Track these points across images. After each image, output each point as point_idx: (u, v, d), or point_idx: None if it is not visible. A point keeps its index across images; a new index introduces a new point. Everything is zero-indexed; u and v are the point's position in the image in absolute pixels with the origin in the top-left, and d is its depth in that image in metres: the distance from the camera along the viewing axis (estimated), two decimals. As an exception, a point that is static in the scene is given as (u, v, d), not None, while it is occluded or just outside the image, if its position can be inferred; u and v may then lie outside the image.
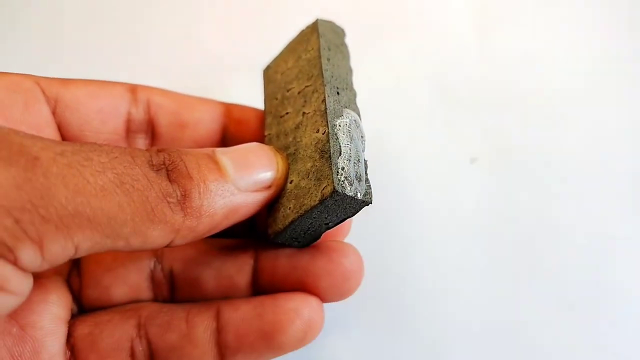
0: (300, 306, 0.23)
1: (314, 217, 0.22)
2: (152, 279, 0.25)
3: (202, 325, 0.23)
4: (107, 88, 0.25)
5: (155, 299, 0.25)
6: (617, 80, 0.30)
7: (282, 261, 0.24)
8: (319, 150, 0.22)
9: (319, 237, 0.24)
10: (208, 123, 0.26)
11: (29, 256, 0.17)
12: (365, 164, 0.22)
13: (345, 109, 0.23)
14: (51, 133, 0.24)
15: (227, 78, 0.36)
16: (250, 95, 0.29)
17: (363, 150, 0.22)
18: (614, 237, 0.29)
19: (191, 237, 0.20)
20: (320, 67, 0.24)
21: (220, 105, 0.27)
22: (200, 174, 0.20)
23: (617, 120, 0.32)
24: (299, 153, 0.23)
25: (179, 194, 0.20)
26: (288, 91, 0.25)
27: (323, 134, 0.22)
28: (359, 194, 0.21)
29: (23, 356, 0.21)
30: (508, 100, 0.30)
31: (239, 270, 0.25)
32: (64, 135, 0.24)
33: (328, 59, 0.24)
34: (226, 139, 0.26)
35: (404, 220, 0.30)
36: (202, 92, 0.27)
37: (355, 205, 0.21)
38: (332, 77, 0.24)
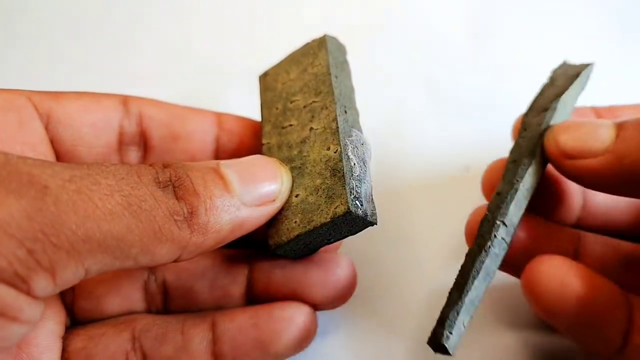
0: (294, 315, 0.24)
1: (321, 233, 0.22)
2: (146, 290, 0.25)
3: (198, 336, 0.24)
4: (99, 101, 0.25)
5: (149, 310, 0.25)
6: (609, 87, 0.31)
7: (276, 272, 0.25)
8: (330, 168, 0.22)
9: (316, 250, 0.24)
10: (201, 134, 0.26)
11: (42, 284, 0.17)
12: (371, 184, 0.23)
13: (352, 129, 0.23)
14: (45, 149, 0.23)
15: (223, 85, 0.35)
16: (247, 103, 0.29)
17: (368, 171, 0.23)
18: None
19: (198, 252, 0.21)
20: (331, 85, 0.24)
21: (212, 115, 0.27)
22: (207, 190, 0.20)
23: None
24: (306, 168, 0.23)
25: (185, 211, 0.20)
26: (291, 103, 0.25)
27: (335, 152, 0.22)
28: (368, 215, 0.22)
29: None
30: (503, 107, 0.31)
31: (233, 280, 0.25)
32: (58, 151, 0.24)
33: (336, 77, 0.24)
34: (219, 150, 0.26)
35: (398, 228, 0.30)
36: (197, 99, 0.27)
37: (362, 224, 0.22)
38: (340, 95, 0.24)
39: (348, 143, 0.23)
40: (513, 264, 0.24)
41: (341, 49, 0.26)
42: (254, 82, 0.28)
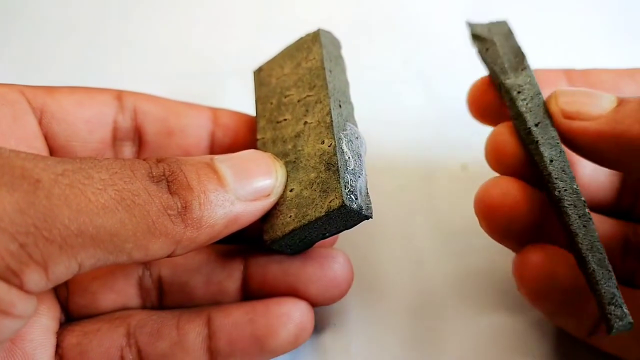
0: (291, 310, 0.24)
1: (315, 228, 0.22)
2: (140, 285, 0.25)
3: (194, 332, 0.23)
4: (93, 96, 0.25)
5: (144, 305, 0.25)
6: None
7: (272, 267, 0.24)
8: (324, 162, 0.22)
9: (312, 245, 0.24)
10: (195, 129, 0.26)
11: (35, 279, 0.17)
12: (366, 178, 0.23)
13: (347, 122, 0.23)
14: (39, 145, 0.23)
15: (219, 82, 0.35)
16: (242, 99, 0.29)
17: (364, 164, 0.23)
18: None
19: (192, 247, 0.21)
20: (325, 79, 0.24)
21: (207, 110, 0.27)
22: (200, 185, 0.20)
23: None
24: (301, 162, 0.23)
25: (179, 205, 0.20)
26: (285, 97, 0.25)
27: (329, 146, 0.22)
28: (363, 209, 0.22)
29: None
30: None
31: (228, 275, 0.25)
32: (51, 146, 0.24)
33: (330, 71, 0.24)
34: (214, 145, 0.26)
35: (395, 225, 0.30)
36: (193, 96, 0.27)
37: (357, 218, 0.22)
38: (335, 89, 0.24)
39: (342, 137, 0.22)
40: None
41: (335, 43, 0.26)
42: (249, 78, 0.28)
